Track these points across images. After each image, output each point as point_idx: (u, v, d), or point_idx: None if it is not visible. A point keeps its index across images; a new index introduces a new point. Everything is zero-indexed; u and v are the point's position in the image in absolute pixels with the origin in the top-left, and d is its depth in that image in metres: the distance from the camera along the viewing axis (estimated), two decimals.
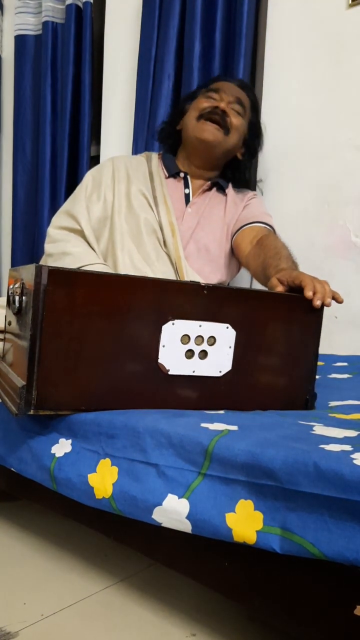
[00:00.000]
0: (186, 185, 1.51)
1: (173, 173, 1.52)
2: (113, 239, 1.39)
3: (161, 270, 1.37)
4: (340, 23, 1.66)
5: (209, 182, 1.52)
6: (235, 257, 1.51)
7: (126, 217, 1.43)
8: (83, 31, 2.23)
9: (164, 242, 1.41)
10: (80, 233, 1.40)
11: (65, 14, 2.28)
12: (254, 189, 1.75)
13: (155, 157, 1.57)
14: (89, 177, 1.51)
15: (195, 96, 1.52)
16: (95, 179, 1.50)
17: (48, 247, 1.41)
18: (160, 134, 1.62)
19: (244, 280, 1.78)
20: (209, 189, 1.53)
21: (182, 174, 1.52)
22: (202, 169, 1.52)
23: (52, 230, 1.45)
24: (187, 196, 1.50)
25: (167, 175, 1.51)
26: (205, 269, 1.46)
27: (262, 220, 1.48)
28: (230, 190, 1.56)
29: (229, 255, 1.51)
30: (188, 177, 1.52)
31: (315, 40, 1.71)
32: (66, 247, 1.37)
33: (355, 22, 1.63)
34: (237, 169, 1.56)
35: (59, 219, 1.47)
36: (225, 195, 1.54)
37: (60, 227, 1.44)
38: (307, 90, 1.73)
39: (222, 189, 1.53)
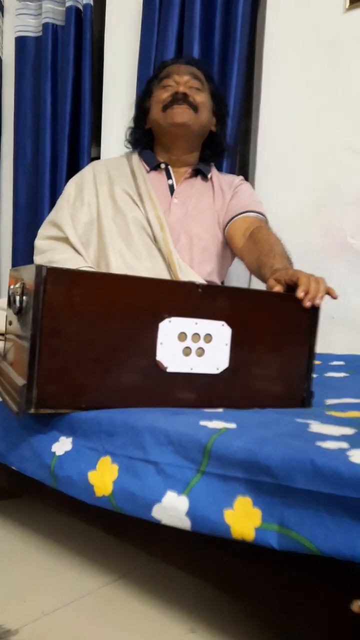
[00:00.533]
0: (169, 176, 1.51)
1: (154, 166, 1.51)
2: (103, 241, 1.40)
3: (153, 267, 1.37)
4: (337, 26, 1.67)
5: (191, 170, 1.51)
6: (227, 248, 1.51)
7: (113, 218, 1.43)
8: (83, 33, 2.24)
9: (154, 237, 1.41)
10: (66, 240, 1.41)
11: (65, 16, 2.29)
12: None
13: (135, 155, 1.57)
14: (71, 184, 1.53)
15: (151, 91, 1.51)
16: (78, 185, 1.51)
17: (36, 259, 1.44)
18: (131, 140, 1.61)
19: (242, 278, 1.78)
20: (192, 176, 1.52)
21: (163, 165, 1.51)
22: (183, 155, 1.51)
23: (38, 242, 1.47)
24: (171, 187, 1.50)
25: (148, 169, 1.51)
26: (198, 259, 1.46)
27: (253, 209, 1.47)
28: (214, 174, 1.54)
29: (222, 244, 1.50)
30: (169, 167, 1.51)
31: (313, 44, 1.72)
32: (53, 255, 1.39)
33: (352, 25, 1.64)
34: (214, 143, 1.56)
35: (44, 229, 1.49)
36: (210, 181, 1.52)
37: (45, 237, 1.46)
38: (304, 93, 1.74)
39: (205, 176, 1.52)
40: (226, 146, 1.59)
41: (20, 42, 2.48)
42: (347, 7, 1.64)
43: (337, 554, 0.57)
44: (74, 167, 2.27)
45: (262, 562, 0.66)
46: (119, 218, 1.43)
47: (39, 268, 0.77)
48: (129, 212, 1.43)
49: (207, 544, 0.71)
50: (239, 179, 1.57)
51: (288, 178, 1.78)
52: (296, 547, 0.60)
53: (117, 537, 0.86)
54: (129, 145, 1.61)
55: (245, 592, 0.69)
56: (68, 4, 2.26)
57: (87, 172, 1.54)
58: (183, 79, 1.44)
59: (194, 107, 1.43)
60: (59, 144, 2.30)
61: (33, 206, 2.45)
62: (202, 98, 1.46)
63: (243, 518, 0.65)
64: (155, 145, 1.54)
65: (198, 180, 1.52)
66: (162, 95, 1.45)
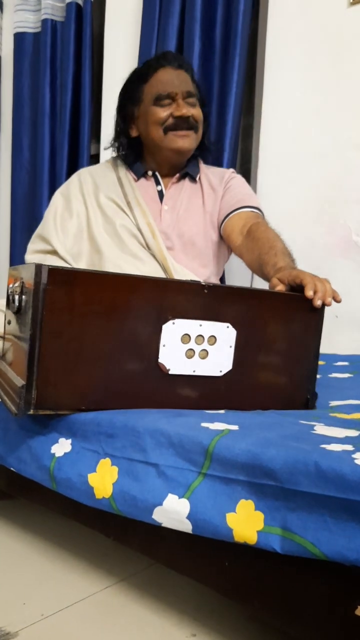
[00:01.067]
0: (157, 182, 1.48)
1: (142, 174, 1.48)
2: (97, 250, 1.38)
3: (150, 272, 1.35)
4: (340, 22, 1.66)
5: (178, 174, 1.48)
6: (224, 245, 1.49)
7: (104, 227, 1.41)
8: (83, 29, 2.22)
9: (147, 244, 1.39)
10: (55, 253, 1.39)
11: (65, 12, 2.28)
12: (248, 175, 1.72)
13: (120, 161, 1.53)
14: (58, 196, 1.50)
15: (139, 97, 1.43)
16: (64, 195, 1.49)
17: None
18: (115, 148, 1.54)
19: (245, 278, 1.77)
20: (179, 179, 1.49)
21: (150, 173, 1.48)
22: (174, 170, 1.47)
23: (27, 257, 1.45)
24: (160, 193, 1.47)
25: (136, 178, 1.48)
26: (194, 263, 1.44)
27: (248, 204, 1.44)
28: (202, 173, 1.51)
29: (217, 244, 1.48)
30: (157, 174, 1.48)
31: (316, 40, 1.71)
32: None
33: (355, 21, 1.63)
34: (205, 140, 1.50)
35: (32, 244, 1.47)
36: (199, 182, 1.50)
37: (34, 252, 1.44)
38: (307, 88, 1.73)
39: (193, 178, 1.49)
40: (210, 143, 1.54)
41: (19, 38, 2.46)
42: (350, 2, 1.63)
43: (341, 557, 0.56)
44: (74, 164, 2.26)
45: (264, 566, 0.65)
46: (109, 227, 1.41)
47: (39, 267, 0.76)
48: (117, 220, 1.41)
49: (208, 548, 0.70)
50: (229, 172, 1.53)
51: (290, 175, 1.77)
52: (299, 551, 0.59)
53: (117, 540, 0.86)
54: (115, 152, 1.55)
55: (247, 596, 0.68)
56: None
57: (73, 182, 1.51)
58: (182, 95, 1.38)
59: (195, 129, 1.41)
60: (58, 140, 2.30)
61: (31, 204, 2.44)
62: (198, 112, 1.42)
63: (245, 521, 0.64)
64: (145, 153, 1.49)
65: (186, 182, 1.49)
66: (162, 114, 1.38)
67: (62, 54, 2.29)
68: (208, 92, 1.86)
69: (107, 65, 2.23)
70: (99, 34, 2.29)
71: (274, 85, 1.80)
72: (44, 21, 2.34)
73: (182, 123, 1.38)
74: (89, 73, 2.22)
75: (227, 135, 1.80)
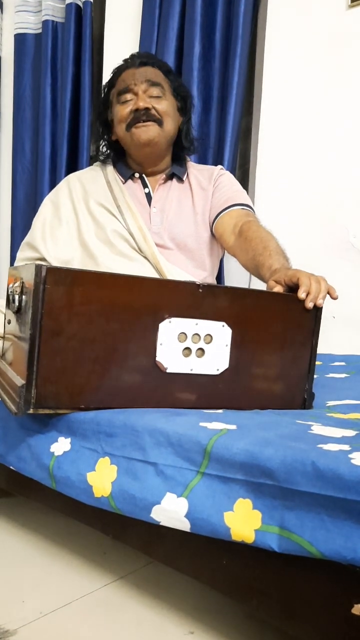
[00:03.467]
0: (144, 185, 1.47)
1: (128, 176, 1.48)
2: (92, 256, 1.38)
3: (145, 275, 1.34)
4: (340, 23, 1.66)
5: (165, 175, 1.48)
6: (216, 243, 1.48)
7: (96, 233, 1.41)
8: (83, 30, 2.23)
9: (139, 248, 1.39)
10: (43, 261, 1.39)
11: (65, 13, 2.28)
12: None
13: (109, 165, 1.53)
14: (47, 203, 1.50)
15: (110, 101, 1.45)
16: (54, 202, 1.49)
17: None
18: (99, 153, 1.54)
19: (244, 278, 1.78)
20: (166, 180, 1.48)
21: (137, 175, 1.48)
22: (155, 165, 1.47)
23: (17, 264, 1.45)
24: (148, 195, 1.47)
25: (123, 180, 1.48)
26: (187, 265, 1.44)
27: (238, 202, 1.43)
28: (190, 172, 1.50)
29: (209, 244, 1.47)
30: (144, 176, 1.48)
31: (315, 41, 1.71)
32: None
33: (355, 22, 1.64)
34: (182, 137, 1.48)
35: (21, 252, 1.47)
36: (187, 181, 1.49)
37: (23, 260, 1.44)
38: (306, 90, 1.74)
39: (180, 179, 1.48)
40: (191, 141, 1.50)
41: (20, 39, 2.47)
42: (350, 4, 1.63)
43: (338, 556, 0.57)
44: (74, 165, 2.26)
45: (262, 565, 0.66)
46: (101, 232, 1.40)
47: (39, 267, 0.77)
48: (107, 225, 1.40)
49: (206, 546, 0.71)
50: (217, 169, 1.52)
51: (289, 176, 1.77)
52: (297, 549, 0.60)
53: (116, 539, 0.86)
54: (101, 157, 1.55)
55: (245, 594, 0.68)
56: (68, 1, 2.24)
57: (62, 189, 1.51)
58: (141, 89, 1.38)
59: (158, 121, 1.38)
60: (59, 141, 2.30)
61: (32, 204, 2.44)
62: (164, 106, 1.40)
63: (243, 520, 0.64)
64: (127, 156, 1.50)
65: (174, 183, 1.48)
66: (123, 112, 1.39)
67: (62, 55, 2.30)
68: (208, 94, 1.87)
69: (107, 66, 2.23)
70: (99, 36, 2.29)
71: (273, 86, 1.80)
72: (45, 22, 2.34)
73: (141, 116, 1.37)
74: (88, 74, 2.22)
75: (228, 137, 1.80)
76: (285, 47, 1.77)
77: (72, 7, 2.24)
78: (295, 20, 1.75)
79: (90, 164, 2.19)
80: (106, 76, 2.20)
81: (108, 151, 1.53)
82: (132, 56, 1.47)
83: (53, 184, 2.30)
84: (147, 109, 1.37)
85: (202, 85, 1.86)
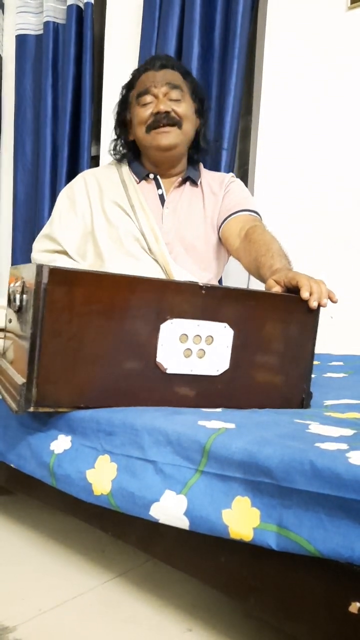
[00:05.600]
0: (158, 186, 1.49)
1: (143, 177, 1.49)
2: (100, 254, 1.39)
3: (153, 275, 1.36)
4: (339, 25, 1.67)
5: (180, 179, 1.50)
6: (223, 248, 1.50)
7: (108, 232, 1.42)
8: (84, 31, 2.23)
9: (149, 249, 1.40)
10: (65, 253, 1.41)
11: (66, 15, 2.29)
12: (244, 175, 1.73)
13: (124, 163, 1.55)
14: (64, 197, 1.51)
15: (129, 102, 1.48)
16: (70, 197, 1.50)
17: None
18: (115, 153, 1.56)
19: (242, 279, 1.78)
20: (181, 184, 1.50)
21: (151, 176, 1.50)
22: (171, 168, 1.49)
23: (36, 255, 1.46)
24: (161, 197, 1.48)
25: (138, 180, 1.49)
26: (194, 267, 1.45)
27: (246, 208, 1.45)
28: (204, 177, 1.52)
29: (216, 248, 1.49)
30: (158, 177, 1.50)
31: (314, 42, 1.72)
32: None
33: (354, 23, 1.64)
34: (200, 139, 1.51)
35: (39, 243, 1.48)
36: (200, 186, 1.51)
37: (42, 251, 1.45)
38: (305, 91, 1.74)
39: (194, 182, 1.50)
40: (208, 142, 1.54)
41: (21, 40, 2.47)
42: (349, 5, 1.64)
43: (336, 555, 0.57)
44: (74, 165, 2.27)
45: (260, 563, 0.66)
46: (113, 231, 1.42)
47: (40, 267, 0.77)
48: (120, 224, 1.41)
49: (205, 544, 0.71)
50: (229, 176, 1.55)
51: (288, 176, 1.78)
52: (295, 548, 0.60)
53: (115, 536, 0.87)
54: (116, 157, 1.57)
55: (243, 592, 0.69)
56: (69, 2, 2.25)
57: (78, 184, 1.52)
58: (161, 92, 1.40)
59: (178, 124, 1.40)
60: (59, 141, 2.30)
61: (33, 204, 2.45)
62: (184, 109, 1.42)
63: (241, 518, 0.65)
64: (143, 157, 1.52)
65: (187, 186, 1.51)
66: (143, 114, 1.41)
67: (64, 55, 2.30)
68: (207, 94, 1.87)
69: (107, 67, 2.24)
70: (100, 37, 2.30)
71: (272, 86, 1.81)
72: (46, 23, 2.35)
73: (162, 119, 1.39)
74: (89, 75, 2.23)
75: (226, 137, 1.81)
76: (285, 47, 1.78)
77: (73, 8, 2.25)
78: (295, 21, 1.76)
79: (90, 164, 2.20)
80: (107, 77, 2.22)
81: (124, 151, 1.54)
82: (152, 58, 1.50)
83: (54, 184, 2.31)
84: (167, 112, 1.39)
85: (201, 84, 1.86)
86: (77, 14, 2.26)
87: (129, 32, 2.14)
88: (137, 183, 1.49)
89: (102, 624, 0.82)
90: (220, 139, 1.81)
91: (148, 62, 1.49)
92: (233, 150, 1.86)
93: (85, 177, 1.53)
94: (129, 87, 1.50)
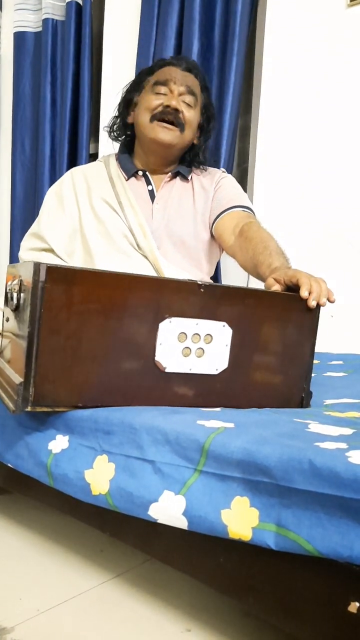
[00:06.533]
0: (148, 182, 1.48)
1: (132, 173, 1.48)
2: (89, 251, 1.38)
3: (142, 272, 1.35)
4: (339, 22, 1.66)
5: (170, 174, 1.49)
6: (215, 244, 1.49)
7: (97, 228, 1.41)
8: (83, 29, 2.23)
9: (138, 245, 1.39)
10: (51, 251, 1.40)
11: (65, 11, 2.28)
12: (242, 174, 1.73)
13: (112, 159, 1.54)
14: (52, 194, 1.51)
15: (142, 85, 1.47)
16: (57, 194, 1.49)
17: None
18: (111, 130, 1.55)
19: (241, 278, 1.78)
20: (171, 179, 1.49)
21: (141, 172, 1.49)
22: (161, 166, 1.48)
23: (22, 254, 1.45)
24: (151, 193, 1.47)
25: (126, 177, 1.48)
26: (184, 263, 1.44)
27: (239, 204, 1.44)
28: (194, 172, 1.51)
29: (208, 244, 1.48)
30: (148, 173, 1.49)
31: (314, 40, 1.71)
32: None
33: (354, 21, 1.64)
34: (193, 153, 1.51)
35: (26, 241, 1.47)
36: (191, 181, 1.50)
37: (29, 249, 1.44)
38: (304, 89, 1.74)
39: (185, 177, 1.49)
40: (204, 159, 1.53)
41: (20, 37, 2.47)
42: (349, 3, 1.63)
43: (335, 554, 0.57)
44: (73, 163, 2.27)
45: (259, 562, 0.66)
46: (101, 228, 1.41)
47: (37, 265, 0.77)
48: (108, 220, 1.41)
49: (203, 544, 0.71)
50: (219, 172, 1.54)
51: (287, 175, 1.77)
52: (293, 547, 0.60)
53: (114, 536, 0.86)
54: (113, 138, 1.56)
55: (242, 592, 0.68)
56: None
57: (66, 181, 1.51)
58: (178, 91, 1.40)
59: (181, 126, 1.40)
60: (58, 139, 2.30)
61: (31, 202, 2.44)
62: (191, 116, 1.42)
63: (240, 518, 0.64)
64: (136, 145, 1.51)
65: (177, 181, 1.50)
66: (153, 102, 1.40)
67: (62, 53, 2.30)
68: (216, 117, 1.87)
69: (106, 64, 2.24)
70: (98, 34, 2.29)
71: (272, 85, 1.81)
72: (45, 20, 2.34)
73: (169, 114, 1.38)
74: (88, 72, 2.22)
75: (225, 136, 1.81)
76: (284, 45, 1.78)
77: (72, 5, 2.24)
78: (294, 19, 1.75)
79: (89, 162, 2.19)
80: (106, 74, 2.22)
81: (119, 132, 1.53)
82: (180, 58, 1.51)
83: (53, 181, 2.30)
84: (177, 110, 1.39)
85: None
86: (76, 10, 2.25)
87: (127, 29, 2.14)
88: (126, 180, 1.48)
89: (101, 625, 0.82)
90: (218, 141, 1.80)
91: (175, 58, 1.50)
92: (232, 149, 1.85)
93: (73, 174, 1.53)
94: (148, 72, 1.49)
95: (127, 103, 1.50)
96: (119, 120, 1.54)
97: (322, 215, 1.70)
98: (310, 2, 1.72)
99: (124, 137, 1.54)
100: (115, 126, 1.55)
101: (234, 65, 1.78)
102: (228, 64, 1.80)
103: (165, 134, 1.39)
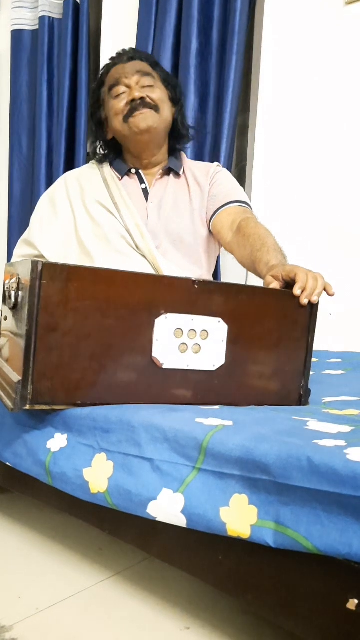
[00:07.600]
0: (141, 181, 1.47)
1: (125, 173, 1.48)
2: (88, 253, 1.37)
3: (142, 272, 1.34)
4: (337, 21, 1.66)
5: (162, 170, 1.47)
6: (213, 240, 1.48)
7: (93, 231, 1.40)
8: (80, 26, 2.22)
9: (136, 245, 1.39)
10: (41, 257, 1.39)
11: (62, 9, 2.28)
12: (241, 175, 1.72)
13: (106, 163, 1.53)
14: (45, 200, 1.50)
15: (102, 99, 1.46)
16: (51, 200, 1.49)
17: None
18: (96, 154, 1.54)
19: (240, 275, 1.78)
20: (163, 176, 1.48)
21: (133, 171, 1.48)
22: (153, 157, 1.46)
23: (15, 261, 1.45)
24: (145, 191, 1.46)
25: (120, 177, 1.47)
26: (184, 261, 1.43)
27: (235, 199, 1.43)
28: (186, 167, 1.50)
29: (206, 240, 1.47)
30: (140, 171, 1.48)
31: (312, 38, 1.71)
32: None
33: (352, 20, 1.64)
34: (177, 130, 1.49)
35: (18, 249, 1.47)
36: (183, 176, 1.49)
37: (21, 256, 1.44)
38: (303, 87, 1.74)
39: (177, 173, 1.48)
40: (187, 128, 1.52)
41: (17, 36, 2.46)
42: (347, 1, 1.63)
43: (334, 551, 0.57)
44: (70, 161, 2.26)
45: (258, 560, 0.66)
46: (98, 230, 1.40)
47: (35, 263, 0.77)
48: (105, 222, 1.40)
49: (202, 541, 0.71)
50: (214, 166, 1.52)
51: (286, 173, 1.77)
52: (292, 544, 0.60)
53: (112, 534, 0.86)
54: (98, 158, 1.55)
55: (241, 589, 0.68)
56: None
57: (59, 187, 1.51)
58: (133, 81, 1.39)
59: (155, 107, 1.39)
60: (55, 137, 2.29)
61: (28, 200, 2.44)
62: (157, 94, 1.41)
63: (239, 515, 0.64)
64: (124, 153, 1.50)
65: (171, 178, 1.48)
66: (118, 105, 1.39)
67: (60, 51, 2.29)
68: (205, 91, 1.87)
69: (103, 62, 2.23)
70: (96, 32, 2.29)
71: (270, 83, 1.80)
72: (42, 18, 2.33)
73: (137, 106, 1.37)
74: (85, 71, 2.22)
75: (224, 134, 1.80)
76: (282, 44, 1.77)
77: (69, 2, 2.23)
78: (293, 19, 1.75)
79: (86, 160, 2.18)
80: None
81: (105, 152, 1.52)
82: (118, 54, 1.48)
83: (50, 180, 2.31)
84: (142, 98, 1.37)
85: (199, 82, 1.86)
86: (74, 8, 2.24)
87: (125, 27, 2.13)
88: (120, 180, 1.47)
89: (100, 623, 0.82)
90: (218, 139, 1.79)
91: (115, 57, 1.47)
92: (231, 147, 1.85)
93: (67, 179, 1.52)
94: (99, 84, 1.48)
95: (98, 123, 1.49)
96: (99, 143, 1.53)
97: (321, 212, 1.70)
98: (308, 1, 1.72)
99: (109, 151, 1.53)
100: (97, 149, 1.54)
101: (232, 63, 1.78)
102: (227, 63, 1.79)
103: (143, 120, 1.38)
